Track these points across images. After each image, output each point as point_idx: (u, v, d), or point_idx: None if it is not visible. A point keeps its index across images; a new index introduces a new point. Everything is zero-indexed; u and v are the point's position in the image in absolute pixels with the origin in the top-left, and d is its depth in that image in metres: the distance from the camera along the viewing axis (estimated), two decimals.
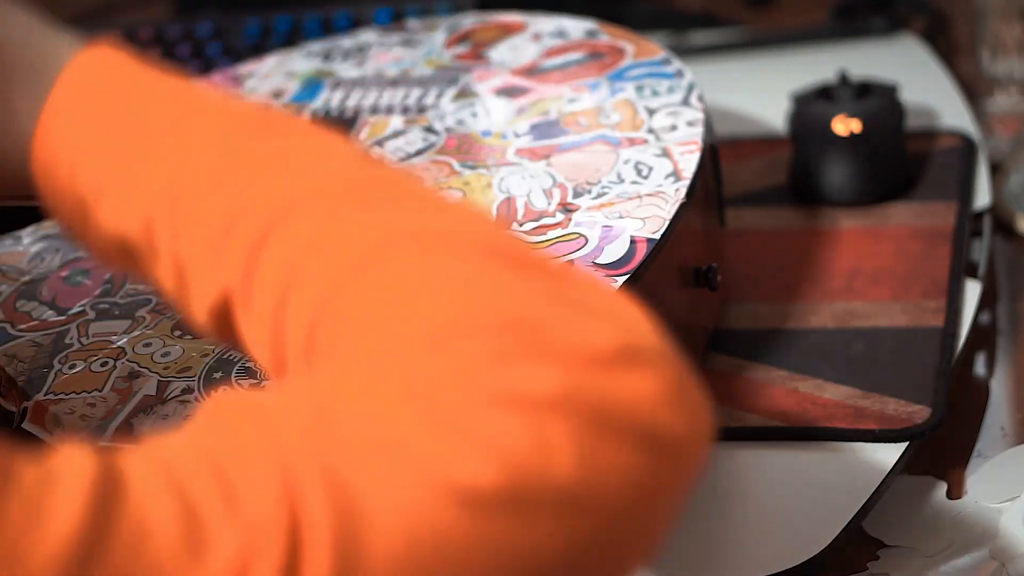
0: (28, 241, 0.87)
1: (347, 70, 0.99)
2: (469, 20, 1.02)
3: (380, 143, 0.90)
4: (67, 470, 0.44)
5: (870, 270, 0.90)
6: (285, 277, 0.51)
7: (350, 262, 0.50)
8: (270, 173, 0.53)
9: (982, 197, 0.95)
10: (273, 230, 0.52)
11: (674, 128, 0.86)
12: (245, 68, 1.02)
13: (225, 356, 0.75)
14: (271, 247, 0.52)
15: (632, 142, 0.85)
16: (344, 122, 0.93)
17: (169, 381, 0.74)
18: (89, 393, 0.75)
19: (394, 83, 0.96)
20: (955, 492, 0.78)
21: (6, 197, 0.73)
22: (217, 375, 0.74)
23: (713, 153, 0.87)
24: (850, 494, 0.76)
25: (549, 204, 0.82)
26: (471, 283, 0.49)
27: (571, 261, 0.77)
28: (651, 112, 0.87)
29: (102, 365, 0.76)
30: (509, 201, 0.82)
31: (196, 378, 0.74)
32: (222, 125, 0.55)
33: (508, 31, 0.99)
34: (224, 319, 0.54)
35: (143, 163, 0.55)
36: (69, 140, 0.56)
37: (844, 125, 0.95)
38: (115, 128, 0.56)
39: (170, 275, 0.55)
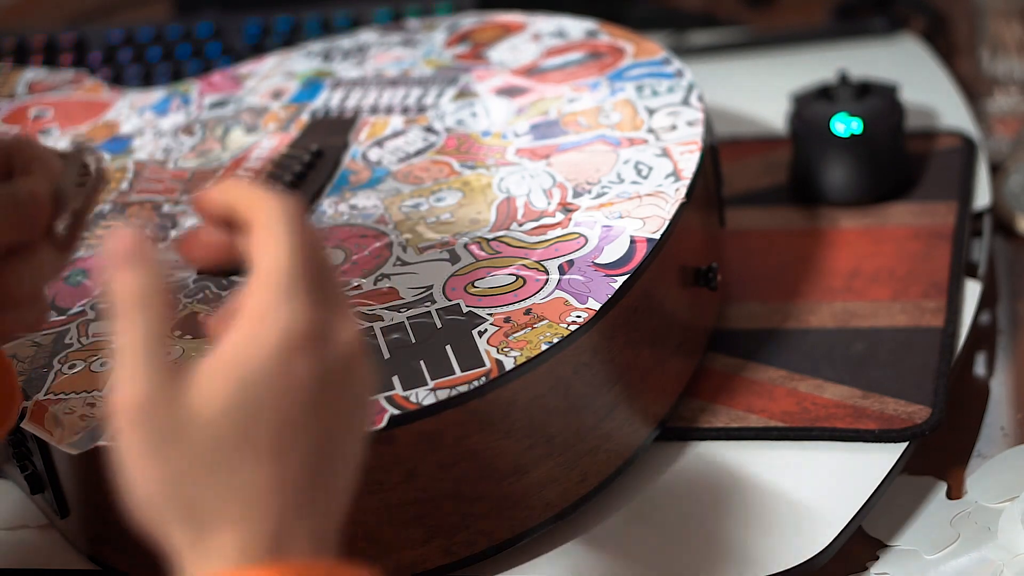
0: None
1: (347, 70, 0.99)
2: (469, 20, 1.02)
3: (380, 143, 0.90)
4: None
5: (870, 270, 0.90)
6: None
7: None
8: None
9: (982, 197, 0.95)
10: None
11: (674, 128, 0.86)
12: (245, 68, 1.02)
13: None
14: None
15: (632, 142, 0.85)
16: (344, 122, 0.93)
17: None
18: (89, 393, 0.75)
19: (394, 83, 0.96)
20: (955, 492, 0.78)
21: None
22: None
23: (713, 153, 0.87)
24: (850, 494, 0.76)
25: (549, 204, 0.82)
26: None
27: (570, 261, 0.77)
28: (651, 112, 0.87)
29: (102, 365, 0.76)
30: (509, 201, 0.83)
31: None
32: None
33: (508, 31, 0.99)
34: None
35: None
36: None
37: (844, 125, 0.95)
38: None
39: None
